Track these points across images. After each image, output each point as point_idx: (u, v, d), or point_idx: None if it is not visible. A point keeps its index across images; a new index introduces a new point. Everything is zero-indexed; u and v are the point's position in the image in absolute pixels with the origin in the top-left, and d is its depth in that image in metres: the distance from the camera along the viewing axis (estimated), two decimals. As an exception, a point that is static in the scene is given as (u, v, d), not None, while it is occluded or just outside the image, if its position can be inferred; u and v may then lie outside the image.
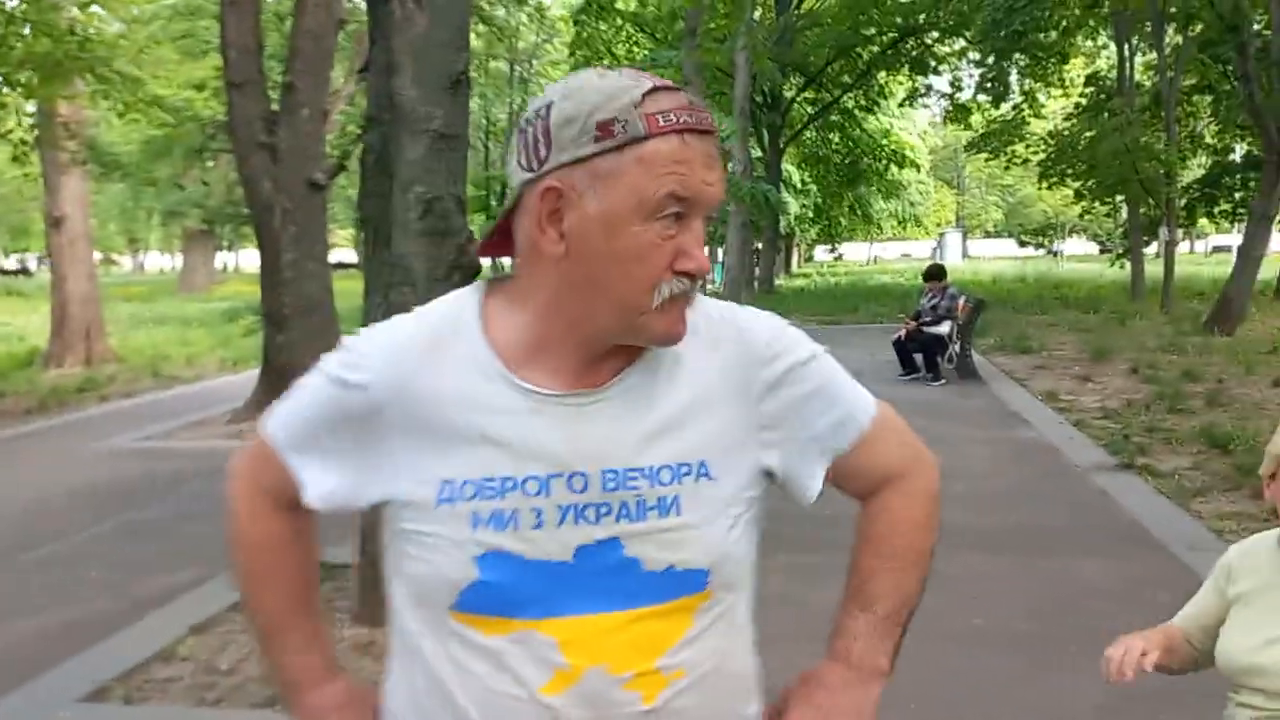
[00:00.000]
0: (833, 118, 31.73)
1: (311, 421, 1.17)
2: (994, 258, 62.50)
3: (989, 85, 22.10)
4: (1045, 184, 23.95)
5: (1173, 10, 19.30)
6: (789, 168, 34.31)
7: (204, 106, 17.51)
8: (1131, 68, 22.41)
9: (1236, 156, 24.04)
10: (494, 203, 31.93)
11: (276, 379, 8.89)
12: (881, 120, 35.69)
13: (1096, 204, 24.38)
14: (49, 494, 7.36)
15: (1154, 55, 21.21)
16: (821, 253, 64.41)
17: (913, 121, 48.45)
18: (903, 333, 11.77)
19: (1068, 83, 25.95)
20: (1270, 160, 15.05)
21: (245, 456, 1.26)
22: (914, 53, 27.46)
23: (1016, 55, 21.67)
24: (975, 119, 28.58)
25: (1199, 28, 18.74)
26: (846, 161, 33.48)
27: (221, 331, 19.70)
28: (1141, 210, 21.69)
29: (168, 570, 5.47)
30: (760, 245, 29.85)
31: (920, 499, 1.35)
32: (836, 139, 33.40)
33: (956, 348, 11.45)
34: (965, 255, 62.85)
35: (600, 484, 1.09)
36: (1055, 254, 57.36)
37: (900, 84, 31.26)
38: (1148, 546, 5.48)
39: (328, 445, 1.16)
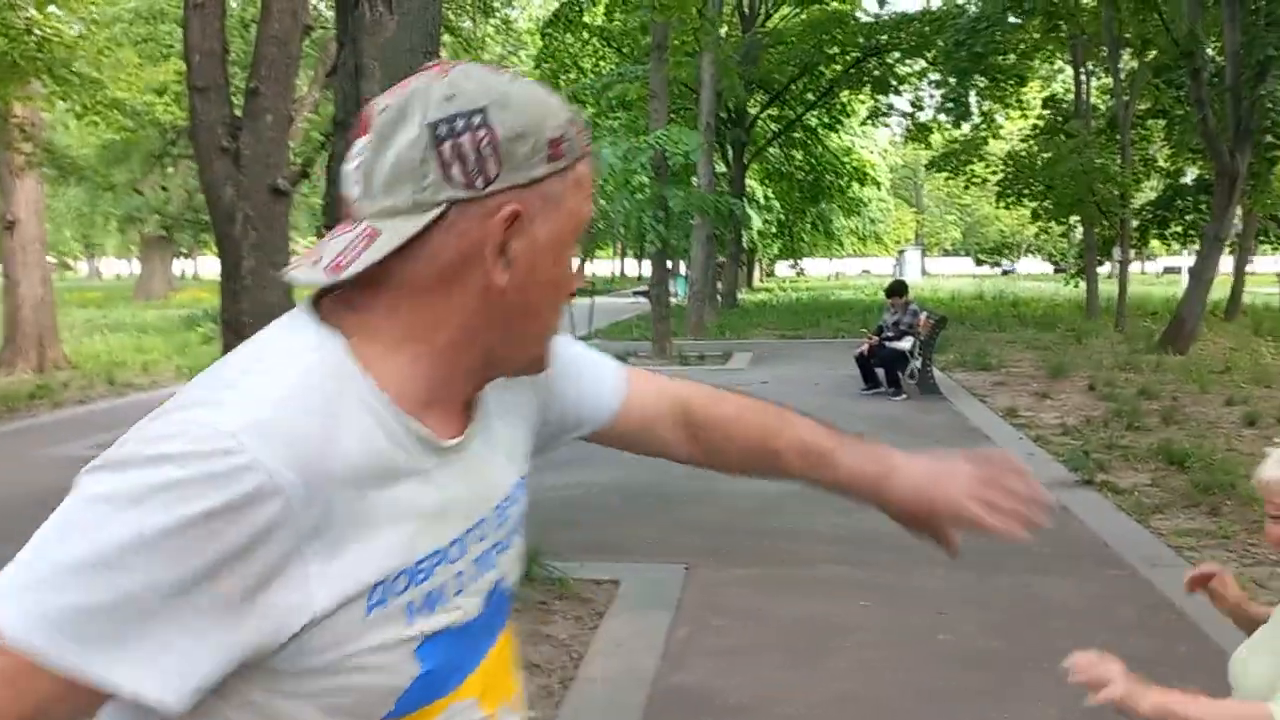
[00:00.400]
0: (796, 135, 31.94)
1: (158, 587, 0.76)
2: (952, 275, 63.23)
3: (950, 106, 22.37)
4: (1003, 204, 24.27)
5: (1128, 36, 19.70)
6: (752, 183, 34.46)
7: (165, 111, 17.28)
8: (1087, 91, 22.83)
9: (1188, 180, 24.50)
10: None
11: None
12: (843, 138, 35.99)
13: (1053, 224, 24.74)
14: (-2, 503, 7.18)
15: (1109, 79, 21.63)
16: (783, 268, 64.79)
17: (874, 140, 48.97)
18: (865, 347, 11.86)
19: (1025, 105, 26.33)
20: (1222, 184, 15.36)
21: None
22: (876, 72, 27.71)
23: (976, 76, 21.96)
24: (935, 138, 28.92)
25: (1153, 53, 19.14)
26: (809, 178, 33.66)
27: (179, 339, 19.41)
28: (1096, 231, 22.06)
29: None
30: (723, 260, 29.96)
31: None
32: (799, 156, 33.60)
33: (918, 363, 11.55)
34: (924, 273, 63.55)
35: (495, 522, 1.02)
36: (1007, 273, 58.11)
37: (862, 103, 31.52)
38: (1109, 563, 5.53)
39: (195, 609, 0.78)
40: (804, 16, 27.95)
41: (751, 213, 31.60)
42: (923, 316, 11.85)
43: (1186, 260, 51.37)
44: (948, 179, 28.64)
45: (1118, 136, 20.55)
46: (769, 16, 28.42)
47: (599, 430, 1.29)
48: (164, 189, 27.44)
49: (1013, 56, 22.04)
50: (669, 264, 18.51)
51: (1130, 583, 5.21)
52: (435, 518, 0.93)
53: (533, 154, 0.90)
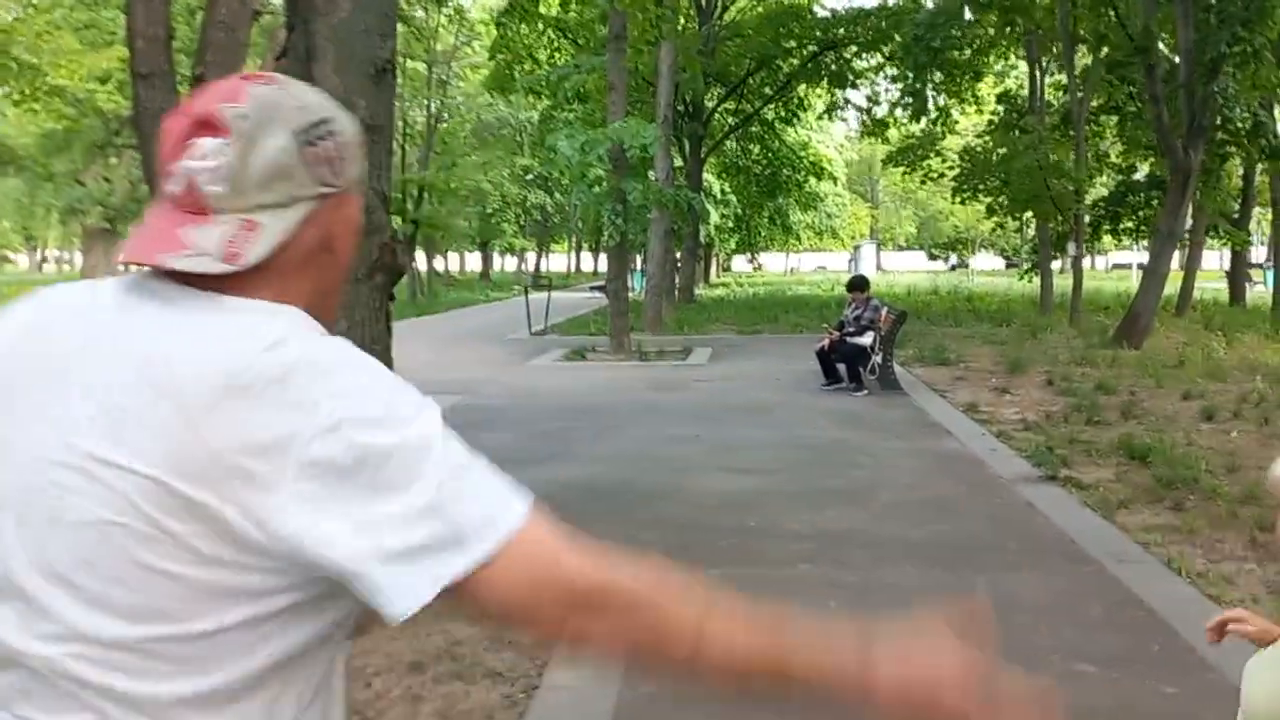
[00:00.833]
0: (753, 129, 31.96)
1: None
2: (906, 271, 63.73)
3: (908, 101, 22.47)
4: (959, 199, 24.43)
5: (1083, 32, 19.88)
6: (710, 177, 34.43)
7: (108, 99, 16.79)
8: (1042, 88, 23.02)
9: (1140, 176, 24.83)
10: (410, 206, 31.34)
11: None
12: (800, 133, 36.08)
13: (1008, 219, 24.94)
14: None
15: (1064, 76, 21.83)
16: (739, 263, 64.94)
17: (830, 135, 49.18)
18: (826, 343, 11.80)
19: (980, 100, 26.54)
20: (1175, 180, 15.51)
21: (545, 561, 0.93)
22: (833, 66, 27.79)
23: (933, 72, 22.07)
24: (892, 134, 29.06)
25: (1107, 49, 19.32)
26: (766, 172, 33.73)
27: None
28: (1050, 226, 22.26)
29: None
30: (681, 254, 29.89)
31: None
32: (757, 150, 33.63)
33: (879, 358, 11.51)
34: (879, 268, 63.96)
35: None
36: (955, 268, 58.64)
37: (819, 97, 31.62)
38: (1076, 559, 5.48)
39: None
40: (761, 9, 27.96)
41: (709, 207, 31.55)
42: (883, 311, 11.82)
43: (1136, 256, 52.24)
44: (905, 174, 28.79)
45: (1072, 132, 20.73)
46: (726, 9, 28.34)
47: None
48: (107, 180, 26.76)
49: (968, 52, 22.18)
50: (627, 259, 18.36)
51: (1098, 579, 5.15)
52: None
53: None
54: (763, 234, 41.79)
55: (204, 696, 0.92)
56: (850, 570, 5.27)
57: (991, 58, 24.73)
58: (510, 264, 64.52)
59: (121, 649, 0.91)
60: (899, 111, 27.10)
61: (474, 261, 60.61)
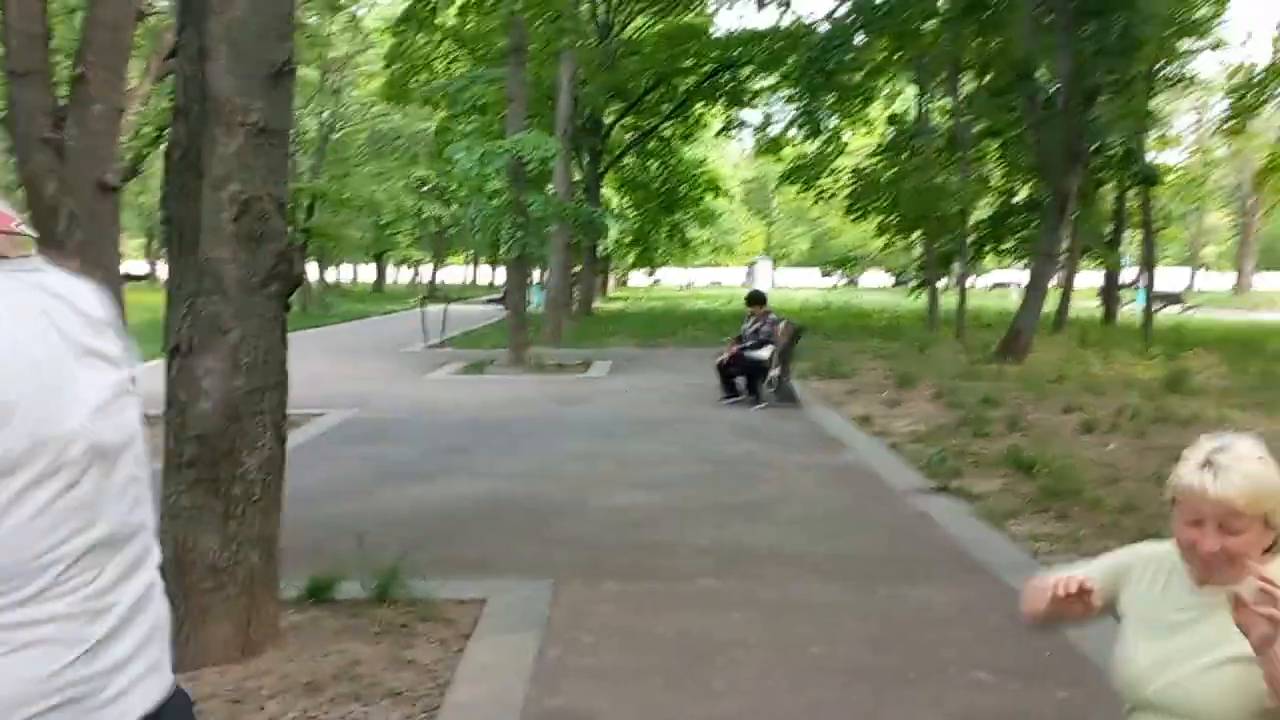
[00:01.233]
0: (651, 145, 32.20)
1: None
2: (800, 287, 64.99)
3: (802, 121, 22.95)
4: (851, 218, 25.01)
5: (967, 59, 20.60)
6: (608, 192, 34.53)
7: (-24, 98, 15.88)
8: (929, 110, 23.76)
9: (1020, 198, 25.81)
10: (301, 216, 30.58)
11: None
12: (698, 150, 36.48)
13: (897, 238, 25.63)
14: None
15: (950, 100, 22.57)
16: (636, 278, 65.26)
17: (726, 153, 49.89)
18: (725, 356, 11.91)
19: (870, 122, 27.24)
20: (1055, 202, 16.18)
21: None
22: (729, 86, 28.22)
23: (826, 94, 22.56)
24: (786, 152, 29.63)
25: (990, 76, 20.05)
26: (665, 188, 34.00)
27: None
28: (936, 245, 22.95)
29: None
30: (579, 268, 29.88)
31: None
32: (655, 166, 33.89)
33: (776, 372, 11.67)
34: (774, 284, 65.05)
35: None
36: (836, 286, 59.84)
37: (716, 115, 32.05)
38: (970, 569, 5.62)
39: None
40: (660, 28, 28.21)
41: (609, 221, 31.62)
42: (781, 326, 11.99)
43: (1015, 275, 54.26)
44: (799, 193, 29.36)
45: (957, 155, 21.44)
46: (625, 26, 28.51)
47: None
48: (-24, 182, 25.38)
49: (859, 75, 22.75)
50: (527, 272, 18.24)
51: (993, 588, 5.28)
52: None
53: None
54: (661, 249, 42.05)
55: None
56: (755, 584, 5.29)
57: (881, 81, 25.43)
58: (405, 276, 63.51)
59: None
60: (793, 131, 27.71)
61: (367, 273, 59.48)
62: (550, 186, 20.18)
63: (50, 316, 1.31)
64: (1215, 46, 25.17)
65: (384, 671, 4.11)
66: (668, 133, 31.73)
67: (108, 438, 1.32)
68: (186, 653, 3.87)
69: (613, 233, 34.49)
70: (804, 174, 25.52)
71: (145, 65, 13.73)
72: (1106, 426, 9.94)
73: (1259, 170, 33.67)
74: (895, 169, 21.90)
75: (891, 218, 22.59)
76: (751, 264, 66.93)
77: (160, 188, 5.74)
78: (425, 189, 41.30)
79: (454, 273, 65.42)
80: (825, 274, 68.37)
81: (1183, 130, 43.83)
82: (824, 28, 22.69)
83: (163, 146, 4.29)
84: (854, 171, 24.49)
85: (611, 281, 51.75)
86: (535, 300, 23.38)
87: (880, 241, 27.22)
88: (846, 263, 42.40)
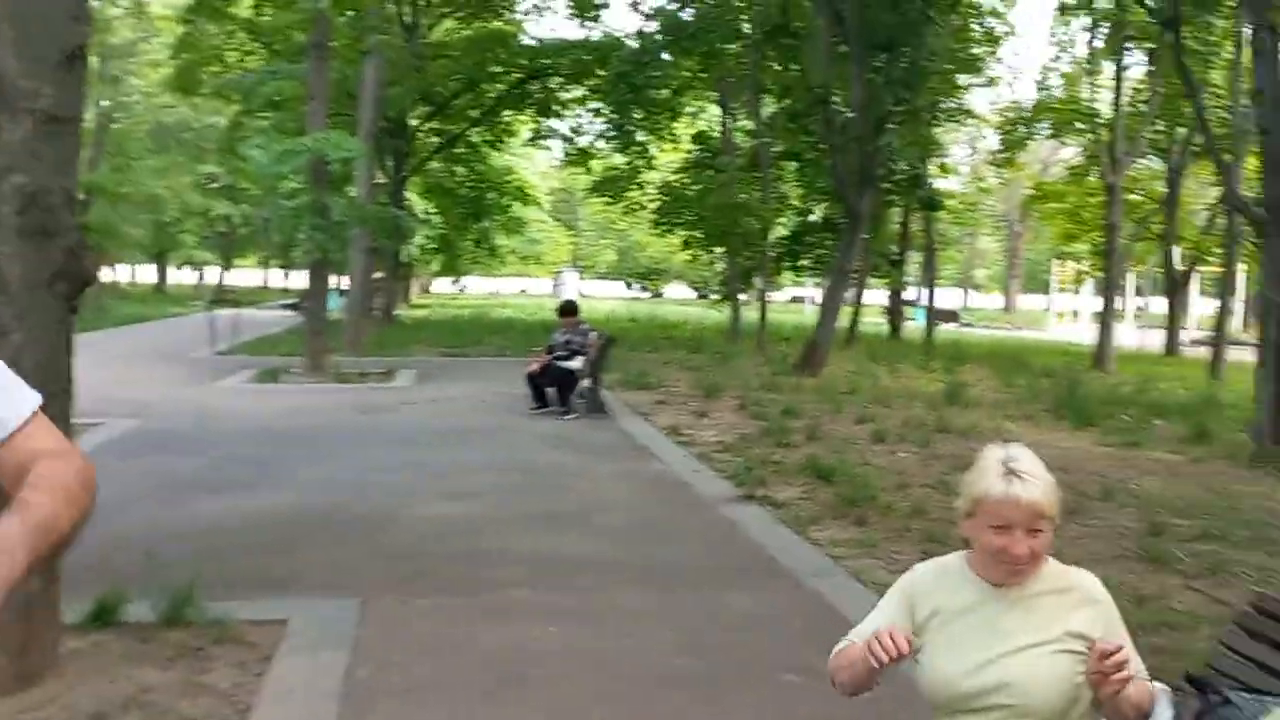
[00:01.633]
0: (459, 150, 31.77)
1: None
2: (606, 297, 65.61)
3: (613, 134, 23.24)
4: (658, 231, 25.50)
5: (769, 83, 21.43)
6: (413, 197, 33.81)
7: None
8: (732, 130, 24.56)
9: (816, 218, 27.04)
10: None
11: None
12: (506, 157, 36.26)
13: (702, 252, 26.33)
14: None
15: (752, 121, 23.41)
16: (440, 284, 64.16)
17: (534, 161, 49.81)
18: (536, 366, 11.86)
19: (677, 139, 27.88)
20: (849, 223, 17.02)
21: None
22: (539, 95, 28.23)
23: (634, 108, 22.94)
24: (595, 164, 29.89)
25: (790, 100, 20.93)
26: (472, 195, 33.56)
27: None
28: (738, 260, 23.72)
29: None
30: (381, 274, 29.05)
31: (75, 466, 1.40)
32: (462, 171, 33.43)
33: (587, 382, 11.71)
34: (580, 294, 65.42)
35: None
36: (636, 298, 60.98)
37: (524, 124, 31.97)
38: (777, 575, 5.80)
39: None
40: (469, 32, 27.89)
41: (414, 226, 30.93)
42: (592, 336, 12.05)
43: (810, 291, 56.68)
44: (608, 204, 29.69)
45: (759, 174, 22.24)
46: (432, 28, 28.01)
47: None
48: None
49: (666, 92, 23.26)
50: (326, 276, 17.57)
51: (799, 593, 5.48)
52: None
53: None
54: (467, 256, 41.50)
55: None
56: (569, 594, 5.28)
57: (687, 99, 26.08)
58: (190, 277, 59.99)
59: None
60: (601, 143, 28.00)
61: (148, 274, 55.83)
62: (352, 188, 19.58)
63: None
64: (989, 84, 27.26)
65: (178, 698, 3.85)
66: (476, 139, 31.38)
67: None
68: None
69: (417, 238, 33.82)
70: (613, 186, 25.82)
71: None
72: (895, 436, 10.51)
73: (1025, 199, 36.65)
74: (701, 185, 22.50)
75: (696, 232, 23.17)
76: (558, 274, 67.07)
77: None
78: (214, 186, 39.21)
79: (244, 276, 62.33)
80: (632, 285, 69.54)
81: (959, 159, 47.14)
82: (633, 43, 23.11)
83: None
84: (661, 186, 24.99)
85: (415, 288, 50.67)
86: (334, 306, 22.59)
87: (685, 255, 27.88)
88: (652, 275, 43.23)
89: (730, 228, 20.66)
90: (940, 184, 28.13)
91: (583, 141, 29.57)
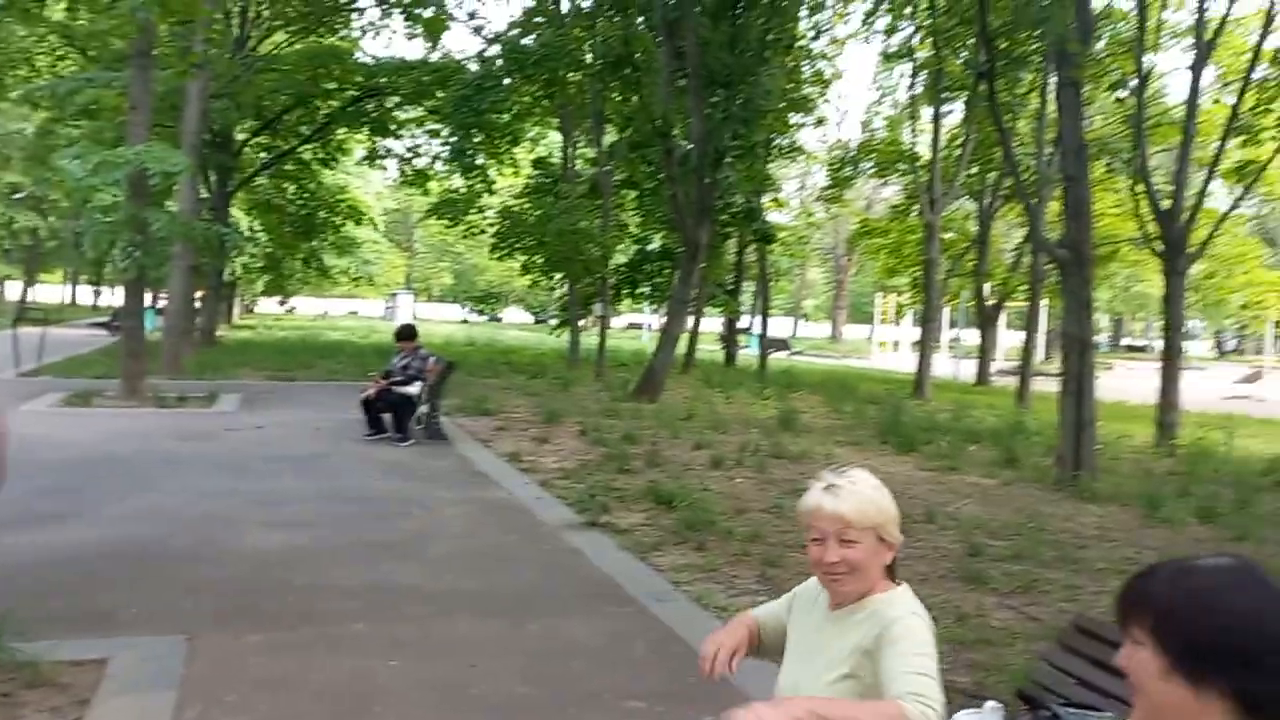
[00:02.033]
0: (289, 167, 30.76)
1: None
2: (442, 321, 64.68)
3: (453, 157, 23.01)
4: (497, 255, 25.35)
5: (610, 113, 21.70)
6: (238, 213, 32.50)
7: None
8: (573, 158, 24.73)
9: (655, 247, 27.51)
10: None
11: None
12: (339, 176, 35.34)
13: (541, 278, 26.31)
14: None
15: (593, 149, 23.63)
16: (266, 304, 61.78)
17: (369, 181, 48.74)
18: (372, 391, 11.56)
19: (517, 164, 27.84)
20: (687, 252, 17.38)
21: None
22: (375, 114, 27.69)
23: (475, 131, 22.78)
24: (433, 186, 29.49)
25: (631, 130, 21.24)
26: (302, 213, 32.50)
27: None
28: (578, 287, 23.83)
29: None
30: (202, 292, 27.75)
31: None
32: (292, 189, 32.37)
33: (425, 408, 11.50)
34: (415, 317, 64.28)
35: None
36: (467, 320, 60.38)
37: (360, 142, 31.27)
38: (620, 601, 5.83)
39: None
40: (300, 46, 27.10)
41: (239, 243, 29.68)
42: (431, 361, 11.85)
43: (646, 318, 57.46)
44: (447, 227, 29.32)
45: (600, 201, 22.45)
46: (260, 41, 27.08)
47: None
48: None
49: (507, 116, 23.21)
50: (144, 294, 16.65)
51: (641, 618, 5.52)
52: None
53: None
54: (296, 276, 40.12)
55: None
56: (409, 625, 5.16)
57: (528, 124, 26.10)
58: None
59: None
60: (439, 165, 27.66)
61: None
62: (171, 203, 18.68)
63: None
64: (818, 123, 28.45)
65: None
66: (307, 155, 30.47)
67: None
68: None
69: (242, 256, 32.52)
70: (452, 209, 25.52)
71: None
72: (732, 462, 10.75)
73: (851, 234, 38.34)
74: (541, 211, 22.53)
75: (537, 257, 23.16)
76: (392, 296, 65.68)
77: None
78: (17, 197, 36.66)
79: (49, 291, 58.38)
80: (470, 309, 68.75)
81: (790, 194, 48.93)
82: (474, 66, 22.98)
83: None
84: (502, 210, 24.89)
85: (238, 308, 48.62)
86: (150, 325, 21.44)
87: (525, 280, 27.80)
88: (490, 299, 42.92)
89: (571, 254, 20.74)
90: (773, 217, 29.10)
91: (420, 163, 29.19)
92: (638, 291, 26.97)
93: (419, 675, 4.50)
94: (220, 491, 8.24)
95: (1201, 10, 14.85)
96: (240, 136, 27.26)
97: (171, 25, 15.68)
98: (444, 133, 25.70)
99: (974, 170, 25.37)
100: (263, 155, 30.13)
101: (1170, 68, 54.92)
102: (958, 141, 24.67)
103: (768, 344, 27.78)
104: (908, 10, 23.24)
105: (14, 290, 51.33)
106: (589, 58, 18.98)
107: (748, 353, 33.28)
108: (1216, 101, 21.60)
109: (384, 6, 25.60)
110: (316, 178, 32.48)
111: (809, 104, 25.27)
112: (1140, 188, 14.40)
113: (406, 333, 12.20)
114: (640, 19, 18.53)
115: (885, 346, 50.63)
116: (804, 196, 51.41)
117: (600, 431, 12.50)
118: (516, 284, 41.52)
